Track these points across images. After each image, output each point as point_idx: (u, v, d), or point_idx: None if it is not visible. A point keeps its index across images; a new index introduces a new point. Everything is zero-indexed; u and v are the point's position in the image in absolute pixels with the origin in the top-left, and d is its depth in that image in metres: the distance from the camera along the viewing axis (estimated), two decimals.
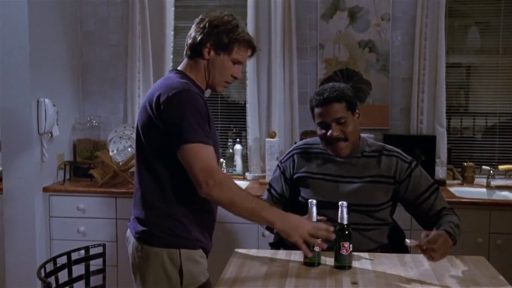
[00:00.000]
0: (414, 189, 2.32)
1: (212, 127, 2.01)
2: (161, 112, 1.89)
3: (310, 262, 2.04)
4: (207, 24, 2.02)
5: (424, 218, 2.33)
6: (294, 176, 2.42)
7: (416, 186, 2.32)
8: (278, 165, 2.51)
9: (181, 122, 1.86)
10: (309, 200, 2.04)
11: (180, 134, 1.86)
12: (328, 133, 2.27)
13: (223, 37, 2.00)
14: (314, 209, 2.03)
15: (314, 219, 2.02)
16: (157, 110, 1.90)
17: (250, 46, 2.09)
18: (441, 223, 2.19)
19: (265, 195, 2.50)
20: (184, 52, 2.11)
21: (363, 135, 2.46)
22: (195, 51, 2.04)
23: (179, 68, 2.10)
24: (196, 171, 1.84)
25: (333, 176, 2.34)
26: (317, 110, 2.31)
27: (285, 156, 2.50)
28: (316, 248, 2.01)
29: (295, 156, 2.44)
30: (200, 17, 2.07)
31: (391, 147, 2.41)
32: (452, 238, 2.08)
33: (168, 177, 1.95)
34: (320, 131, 2.32)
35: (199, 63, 2.05)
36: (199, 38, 2.02)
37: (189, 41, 2.06)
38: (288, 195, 2.46)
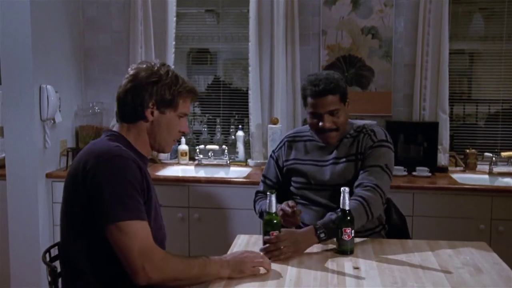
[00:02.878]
0: (362, 160, 2.31)
1: (152, 195, 1.78)
2: (86, 185, 1.65)
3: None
4: (143, 82, 1.78)
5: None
6: (285, 164, 2.47)
7: (365, 158, 2.30)
8: (271, 155, 2.56)
9: (109, 196, 1.62)
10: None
11: (107, 210, 1.61)
12: (320, 124, 2.30)
13: (165, 93, 1.80)
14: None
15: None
16: (82, 182, 1.66)
17: (194, 94, 1.90)
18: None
19: (260, 187, 2.55)
20: (115, 117, 1.86)
21: (360, 121, 2.48)
22: (134, 114, 1.80)
23: (114, 129, 1.87)
24: (134, 256, 1.60)
25: (320, 161, 2.39)
26: (310, 100, 2.30)
27: (277, 146, 2.56)
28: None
29: (286, 145, 2.50)
30: (129, 73, 1.83)
31: (370, 126, 2.39)
32: (317, 231, 2.04)
33: (91, 269, 1.70)
34: (311, 120, 2.34)
35: (140, 126, 1.82)
36: (138, 99, 1.78)
37: (122, 104, 1.82)
38: (282, 182, 2.50)
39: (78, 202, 1.68)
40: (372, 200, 2.17)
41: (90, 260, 1.70)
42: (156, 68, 1.82)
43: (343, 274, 1.84)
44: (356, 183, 2.26)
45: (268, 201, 1.97)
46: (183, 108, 1.86)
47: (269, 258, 1.92)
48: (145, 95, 1.78)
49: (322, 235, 2.05)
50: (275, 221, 1.98)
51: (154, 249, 1.65)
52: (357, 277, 1.81)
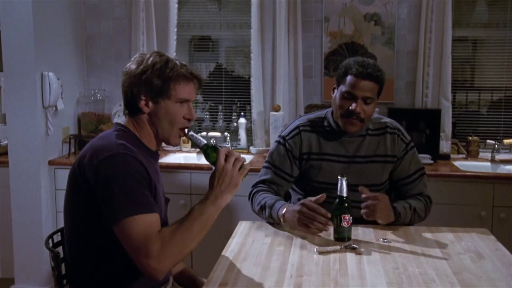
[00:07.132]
0: (402, 170, 2.34)
1: (158, 190, 1.77)
2: (90, 182, 1.64)
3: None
4: (132, 74, 1.76)
5: (400, 198, 2.35)
6: (303, 156, 2.34)
7: (404, 168, 2.34)
8: (280, 142, 2.37)
9: (111, 194, 1.59)
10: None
11: (111, 208, 1.59)
12: (352, 106, 2.19)
13: (154, 81, 1.73)
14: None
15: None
16: (84, 179, 1.66)
17: (190, 77, 1.78)
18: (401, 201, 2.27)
19: (266, 174, 2.37)
20: (117, 104, 1.86)
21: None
22: (132, 108, 1.78)
23: (123, 123, 1.84)
24: (132, 251, 1.58)
25: (343, 156, 2.31)
26: (351, 79, 2.19)
27: (289, 133, 2.37)
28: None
29: (302, 134, 2.34)
30: (125, 68, 1.81)
31: (392, 123, 2.38)
32: (395, 213, 2.16)
33: (99, 263, 1.72)
34: (342, 101, 2.22)
35: (141, 119, 1.78)
36: (130, 92, 1.76)
37: (123, 99, 1.82)
38: (297, 174, 2.37)
39: (82, 199, 1.68)
40: (430, 208, 2.35)
41: (98, 255, 1.71)
42: (145, 58, 1.77)
43: (345, 259, 1.84)
44: (415, 192, 2.33)
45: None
46: (178, 93, 1.75)
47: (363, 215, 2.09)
48: (135, 87, 1.75)
49: (400, 215, 2.17)
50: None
51: (149, 242, 1.57)
52: (359, 263, 1.82)
